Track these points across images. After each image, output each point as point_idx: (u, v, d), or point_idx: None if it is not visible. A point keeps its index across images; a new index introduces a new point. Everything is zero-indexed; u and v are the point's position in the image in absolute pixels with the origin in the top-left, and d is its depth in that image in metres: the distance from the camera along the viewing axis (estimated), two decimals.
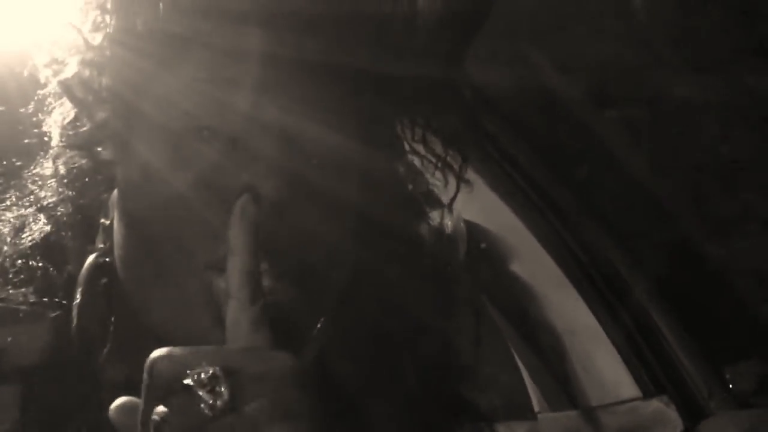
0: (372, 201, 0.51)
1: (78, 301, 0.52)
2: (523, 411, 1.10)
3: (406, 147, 0.54)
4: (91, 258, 0.54)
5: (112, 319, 0.52)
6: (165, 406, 0.39)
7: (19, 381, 0.52)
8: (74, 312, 0.52)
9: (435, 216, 0.57)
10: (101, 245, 0.54)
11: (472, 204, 1.06)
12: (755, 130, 1.15)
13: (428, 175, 0.55)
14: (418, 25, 0.48)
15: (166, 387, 0.39)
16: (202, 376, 0.38)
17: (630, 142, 1.21)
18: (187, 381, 0.39)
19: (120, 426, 0.42)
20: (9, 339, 0.52)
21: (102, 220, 0.54)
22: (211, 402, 0.38)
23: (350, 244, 0.51)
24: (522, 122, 1.16)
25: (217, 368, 0.38)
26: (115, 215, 0.51)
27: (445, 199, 0.57)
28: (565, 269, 1.13)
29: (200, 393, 0.38)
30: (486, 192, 1.10)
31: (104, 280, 0.53)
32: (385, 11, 0.46)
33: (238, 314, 0.42)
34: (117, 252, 0.51)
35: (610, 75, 1.18)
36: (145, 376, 0.40)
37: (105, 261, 0.53)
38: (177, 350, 0.40)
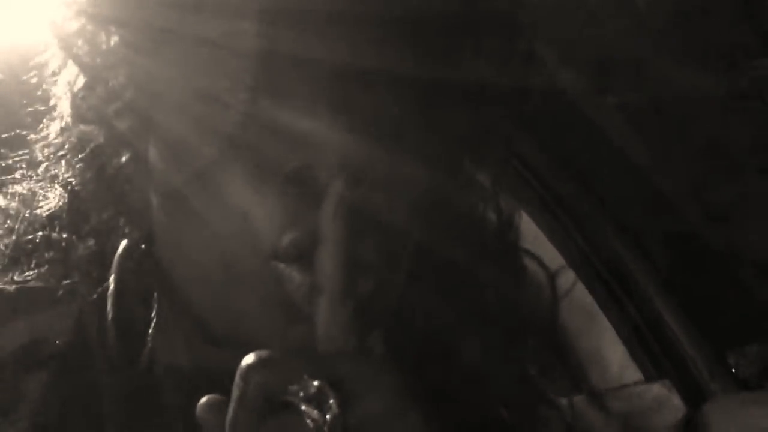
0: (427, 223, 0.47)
1: (113, 289, 0.48)
2: None
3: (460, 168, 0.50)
4: (124, 243, 0.49)
5: (155, 309, 0.48)
6: (264, 421, 0.35)
7: (55, 367, 0.48)
8: (110, 302, 0.48)
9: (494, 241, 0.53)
10: (135, 229, 0.49)
11: None
12: (754, 115, 1.16)
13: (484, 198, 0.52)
14: (424, 23, 0.43)
15: (265, 400, 0.35)
16: (309, 390, 0.35)
17: (631, 132, 1.22)
18: (291, 397, 0.35)
19: (207, 425, 0.38)
20: (49, 325, 0.48)
21: (133, 200, 0.49)
22: (319, 418, 0.34)
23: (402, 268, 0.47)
24: (523, 113, 1.17)
25: (323, 381, 0.35)
26: (153, 199, 0.47)
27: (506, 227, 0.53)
28: (566, 256, 1.14)
29: (307, 409, 0.35)
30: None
31: (143, 268, 0.48)
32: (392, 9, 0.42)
33: (331, 313, 0.38)
34: (163, 244, 0.47)
35: (610, 65, 1.19)
36: (238, 383, 0.36)
37: (141, 248, 0.49)
38: (273, 358, 0.36)
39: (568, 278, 1.08)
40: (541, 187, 1.15)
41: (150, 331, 0.48)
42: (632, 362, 1.10)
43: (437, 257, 0.49)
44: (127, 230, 0.49)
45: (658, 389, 1.07)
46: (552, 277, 0.56)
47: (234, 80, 0.42)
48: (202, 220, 0.44)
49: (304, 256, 0.41)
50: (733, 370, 1.08)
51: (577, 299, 1.13)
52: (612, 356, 1.12)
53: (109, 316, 0.47)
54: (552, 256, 1.13)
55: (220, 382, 0.47)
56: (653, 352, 1.11)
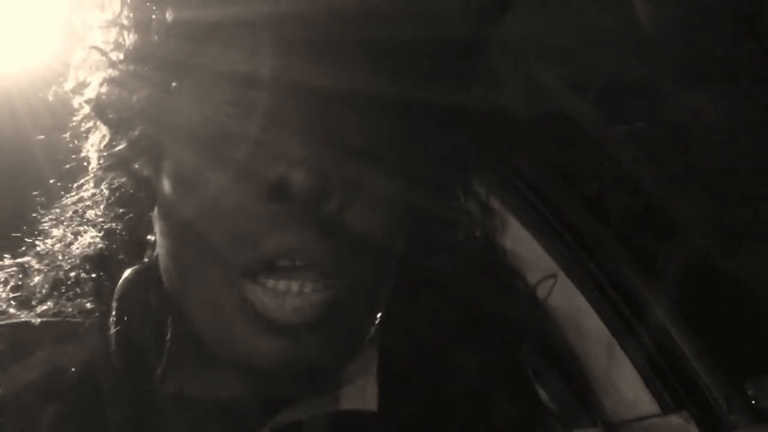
0: (416, 231, 0.50)
1: (115, 315, 0.51)
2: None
3: (451, 178, 0.53)
4: (128, 272, 0.53)
5: (168, 333, 0.51)
6: None
7: (71, 397, 0.51)
8: (112, 327, 0.51)
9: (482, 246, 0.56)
10: (146, 260, 0.53)
11: None
12: (764, 140, 1.15)
13: (473, 204, 0.54)
14: (439, 50, 0.48)
15: None
16: None
17: (641, 158, 1.22)
18: None
19: None
20: (68, 356, 0.52)
21: (149, 237, 0.53)
22: None
23: (393, 269, 0.49)
24: (533, 141, 1.17)
25: None
26: (157, 229, 0.50)
27: (492, 229, 0.56)
28: (580, 287, 1.13)
29: None
30: (500, 211, 1.10)
31: (147, 294, 0.52)
32: (403, 36, 0.46)
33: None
34: (162, 264, 0.50)
35: (619, 91, 1.19)
36: None
37: (147, 275, 0.52)
38: None
39: (560, 286, 1.07)
40: (552, 215, 1.14)
41: (163, 357, 0.50)
42: (648, 393, 1.08)
43: (426, 269, 0.51)
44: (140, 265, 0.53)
45: (675, 421, 1.05)
46: (533, 289, 0.59)
47: (249, 109, 0.45)
48: (191, 258, 0.47)
49: (274, 269, 0.45)
50: (753, 402, 1.06)
51: (591, 329, 1.12)
52: (627, 387, 1.10)
53: (112, 336, 0.51)
54: (565, 285, 1.12)
55: (229, 410, 0.49)
56: (669, 383, 1.09)
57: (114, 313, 0.51)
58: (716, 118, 1.18)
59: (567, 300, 1.12)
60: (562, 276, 1.11)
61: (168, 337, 0.51)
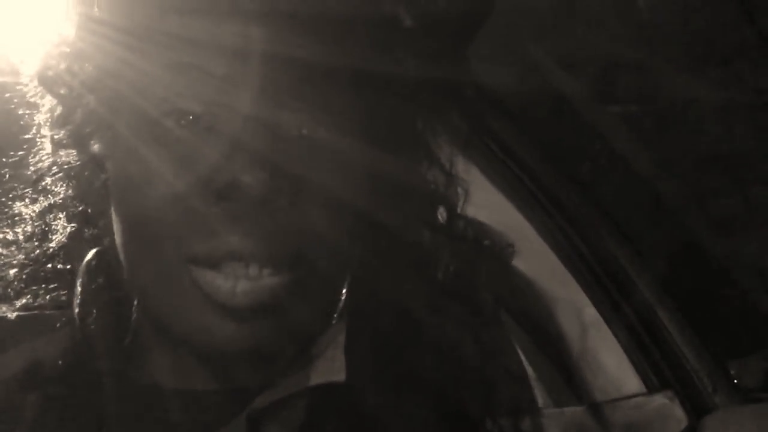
0: (378, 201, 0.50)
1: (78, 300, 0.51)
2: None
3: (416, 148, 0.53)
4: (90, 253, 0.53)
5: (134, 314, 0.51)
6: None
7: (52, 388, 0.51)
8: (76, 310, 0.51)
9: (444, 217, 0.55)
10: (106, 239, 0.53)
11: (476, 201, 1.06)
12: (758, 125, 1.15)
13: (436, 175, 0.54)
14: (419, 26, 0.48)
15: None
16: None
17: (633, 139, 1.22)
18: None
19: None
20: (47, 349, 0.52)
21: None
22: None
23: (354, 245, 0.49)
24: (526, 120, 1.16)
25: None
26: (112, 209, 0.50)
27: (454, 200, 0.55)
28: (569, 266, 1.13)
29: None
30: (489, 189, 1.10)
31: (104, 276, 0.52)
32: (385, 12, 0.46)
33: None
34: (118, 247, 0.50)
35: (613, 72, 1.19)
36: None
37: (105, 256, 0.52)
38: None
39: (549, 265, 1.07)
40: (542, 194, 1.15)
41: (126, 342, 0.51)
42: (633, 372, 1.09)
43: (392, 233, 0.51)
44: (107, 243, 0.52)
45: (660, 400, 1.06)
46: (499, 249, 0.58)
47: (239, 83, 0.44)
48: (147, 242, 0.47)
49: (218, 264, 0.45)
50: (735, 381, 1.07)
51: (578, 307, 1.13)
52: (613, 366, 1.11)
53: (77, 321, 0.51)
54: (553, 263, 1.13)
55: (205, 401, 0.49)
56: (655, 362, 1.10)
57: (77, 298, 0.51)
58: (709, 102, 1.18)
59: (554, 279, 1.12)
60: (551, 255, 1.11)
61: (133, 318, 0.51)
